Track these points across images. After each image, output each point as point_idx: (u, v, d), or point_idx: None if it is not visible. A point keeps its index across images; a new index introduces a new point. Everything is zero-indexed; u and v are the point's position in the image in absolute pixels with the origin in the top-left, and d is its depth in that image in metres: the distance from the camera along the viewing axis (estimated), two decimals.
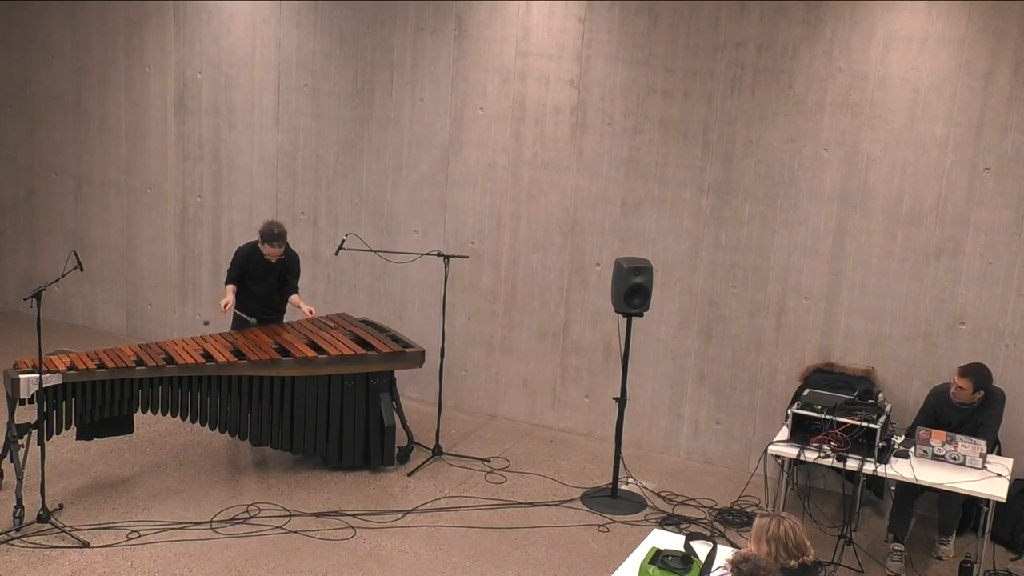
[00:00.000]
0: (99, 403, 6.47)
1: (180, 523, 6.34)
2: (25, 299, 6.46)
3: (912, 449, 6.14)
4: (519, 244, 7.94)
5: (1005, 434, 6.52)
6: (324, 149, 8.48)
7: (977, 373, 6.19)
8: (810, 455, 6.04)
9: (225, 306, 7.12)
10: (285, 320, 7.56)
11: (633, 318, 6.82)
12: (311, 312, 7.34)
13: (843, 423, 6.05)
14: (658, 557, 4.78)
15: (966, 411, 6.28)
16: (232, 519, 6.43)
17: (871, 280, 6.97)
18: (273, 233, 7.15)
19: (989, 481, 5.88)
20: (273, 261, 7.21)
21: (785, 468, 6.33)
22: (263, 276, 7.31)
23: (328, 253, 8.49)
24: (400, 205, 8.29)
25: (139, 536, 6.17)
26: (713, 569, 4.72)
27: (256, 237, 7.32)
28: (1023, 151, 6.49)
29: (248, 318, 7.33)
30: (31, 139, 9.71)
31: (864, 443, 6.00)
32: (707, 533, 6.33)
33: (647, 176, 7.46)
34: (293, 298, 7.43)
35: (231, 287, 7.25)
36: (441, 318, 7.62)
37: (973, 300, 6.74)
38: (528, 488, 7.11)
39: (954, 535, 6.51)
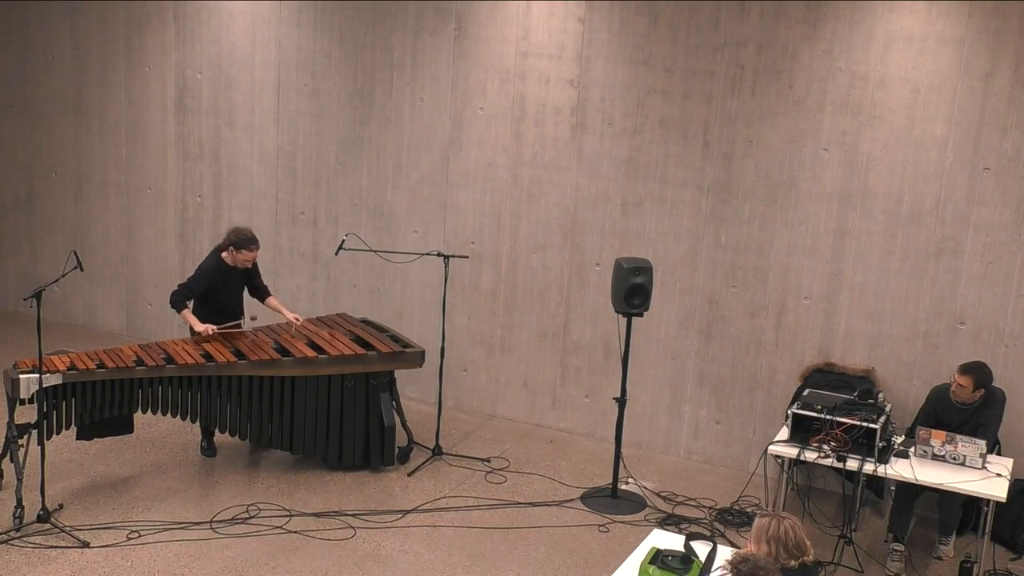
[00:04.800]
0: (99, 403, 6.47)
1: (180, 523, 6.34)
2: (25, 299, 6.46)
3: (912, 449, 6.14)
4: (519, 244, 7.94)
5: (1005, 434, 6.52)
6: (324, 149, 8.48)
7: (977, 371, 6.19)
8: (810, 455, 6.04)
9: (211, 332, 6.93)
10: (267, 324, 7.44)
11: (633, 318, 6.82)
12: (297, 319, 7.27)
13: (843, 423, 6.05)
14: (658, 557, 4.77)
15: (966, 411, 6.28)
16: (232, 519, 6.43)
17: (871, 280, 6.97)
18: (248, 237, 7.04)
19: (989, 481, 5.88)
20: (249, 266, 7.14)
21: (785, 468, 6.33)
22: (233, 286, 7.19)
23: (328, 253, 8.49)
24: (400, 205, 8.29)
25: (139, 536, 6.17)
26: (713, 569, 4.72)
27: (260, 239, 7.23)
28: (1023, 151, 6.49)
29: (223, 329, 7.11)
30: (31, 139, 9.71)
31: (864, 443, 6.00)
32: (707, 533, 6.33)
33: (647, 176, 7.46)
34: (271, 301, 7.36)
35: (189, 312, 6.97)
36: (441, 318, 7.62)
37: (973, 300, 6.74)
38: (528, 488, 7.11)
39: (954, 535, 6.51)
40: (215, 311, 7.13)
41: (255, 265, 7.29)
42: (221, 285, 7.11)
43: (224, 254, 7.07)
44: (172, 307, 7.02)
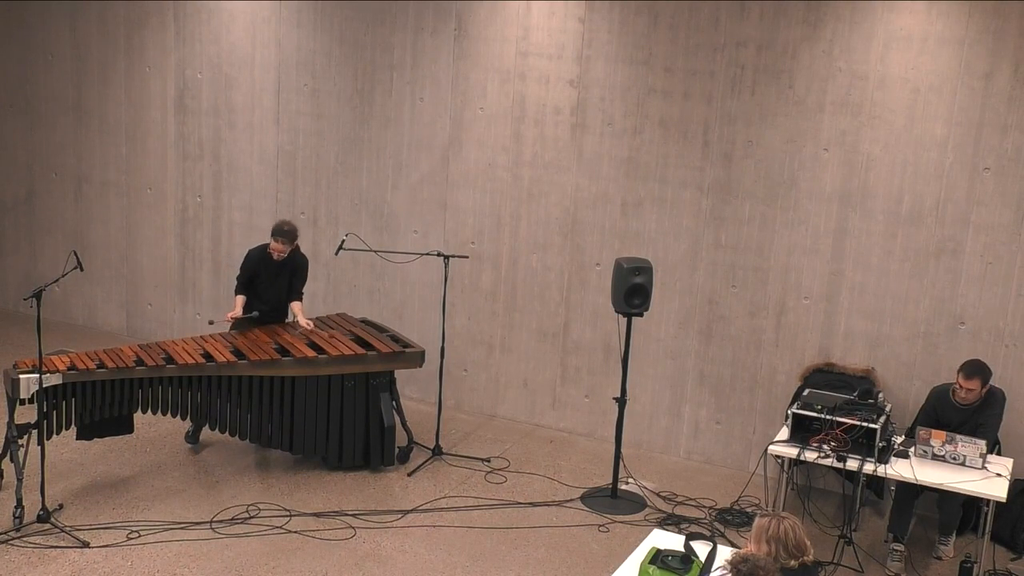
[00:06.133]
0: (99, 403, 6.47)
1: (180, 523, 6.34)
2: (25, 299, 6.46)
3: (912, 449, 6.14)
4: (519, 244, 7.94)
5: (1005, 434, 6.52)
6: (324, 149, 8.48)
7: (982, 372, 6.18)
8: (810, 455, 6.04)
9: (231, 318, 7.13)
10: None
11: (633, 318, 6.82)
12: (308, 325, 7.25)
13: (843, 423, 6.05)
14: (658, 557, 4.77)
15: (966, 411, 6.28)
16: (232, 519, 6.43)
17: (871, 280, 6.97)
18: (281, 229, 7.14)
19: (989, 481, 5.88)
20: (275, 256, 7.19)
21: (785, 468, 6.33)
22: (273, 279, 7.28)
23: (328, 253, 8.49)
24: (400, 205, 8.29)
25: (139, 536, 6.17)
26: (713, 569, 4.72)
27: (259, 239, 7.33)
28: (1023, 151, 6.49)
29: (250, 314, 7.30)
30: (31, 139, 9.71)
31: (864, 443, 6.00)
32: (707, 533, 6.33)
33: (647, 176, 7.47)
34: (294, 306, 7.39)
35: (241, 299, 7.24)
36: (441, 318, 7.62)
37: (973, 300, 6.74)
38: (528, 488, 7.11)
39: (954, 535, 6.51)
40: (256, 298, 7.32)
41: (302, 268, 7.41)
42: (263, 273, 7.27)
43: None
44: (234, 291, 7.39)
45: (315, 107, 8.44)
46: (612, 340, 7.67)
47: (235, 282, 7.40)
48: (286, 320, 7.50)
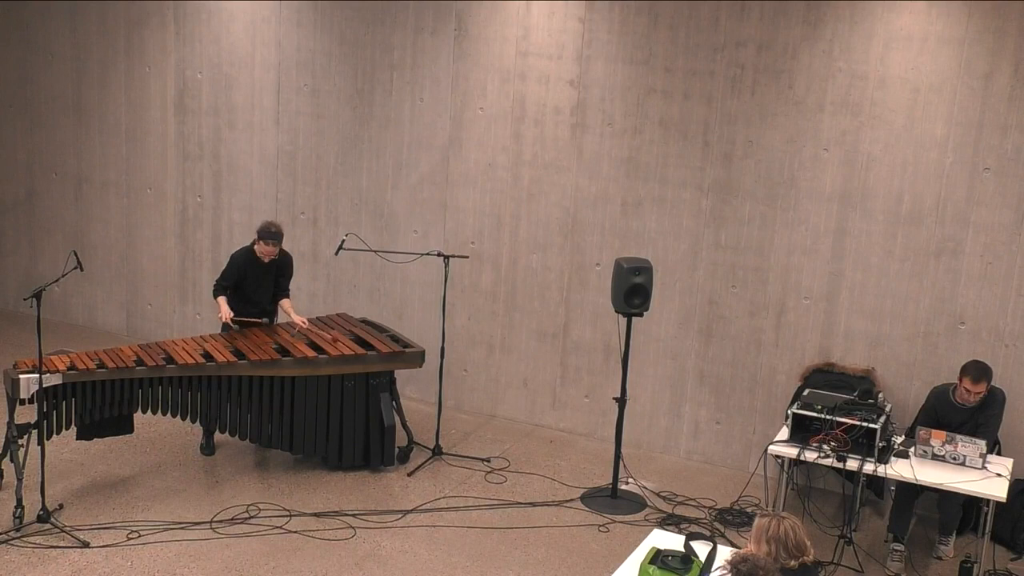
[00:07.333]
0: (99, 403, 6.47)
1: (180, 523, 6.34)
2: (25, 299, 6.46)
3: (912, 449, 6.14)
4: (519, 244, 7.94)
5: (1005, 434, 6.52)
6: (324, 149, 8.48)
7: (988, 374, 6.17)
8: (810, 455, 6.04)
9: (228, 318, 7.06)
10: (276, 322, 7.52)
11: (633, 318, 6.82)
12: (303, 323, 7.25)
13: (843, 423, 6.05)
14: (658, 557, 4.78)
15: (966, 411, 6.28)
16: (232, 519, 6.43)
17: (871, 280, 6.97)
18: (271, 232, 7.11)
19: (989, 481, 5.88)
20: (266, 260, 7.17)
21: (785, 468, 6.34)
22: (260, 280, 7.26)
23: (328, 253, 8.49)
24: (400, 205, 8.29)
25: (139, 536, 6.17)
26: (713, 569, 4.72)
27: (251, 241, 7.30)
28: (1023, 151, 6.49)
29: (241, 319, 7.25)
30: (31, 139, 9.71)
31: (864, 443, 6.00)
32: (707, 533, 6.33)
33: (647, 176, 7.47)
34: (284, 303, 7.37)
35: (223, 299, 7.13)
36: (441, 318, 7.62)
37: (973, 300, 6.74)
38: (528, 488, 7.11)
39: (954, 535, 6.51)
40: (245, 302, 7.25)
41: (288, 265, 7.39)
42: (250, 275, 7.20)
43: (255, 245, 7.17)
44: (212, 295, 7.26)
45: (315, 107, 8.44)
46: (612, 340, 7.67)
47: (215, 285, 7.24)
48: (276, 318, 7.49)
